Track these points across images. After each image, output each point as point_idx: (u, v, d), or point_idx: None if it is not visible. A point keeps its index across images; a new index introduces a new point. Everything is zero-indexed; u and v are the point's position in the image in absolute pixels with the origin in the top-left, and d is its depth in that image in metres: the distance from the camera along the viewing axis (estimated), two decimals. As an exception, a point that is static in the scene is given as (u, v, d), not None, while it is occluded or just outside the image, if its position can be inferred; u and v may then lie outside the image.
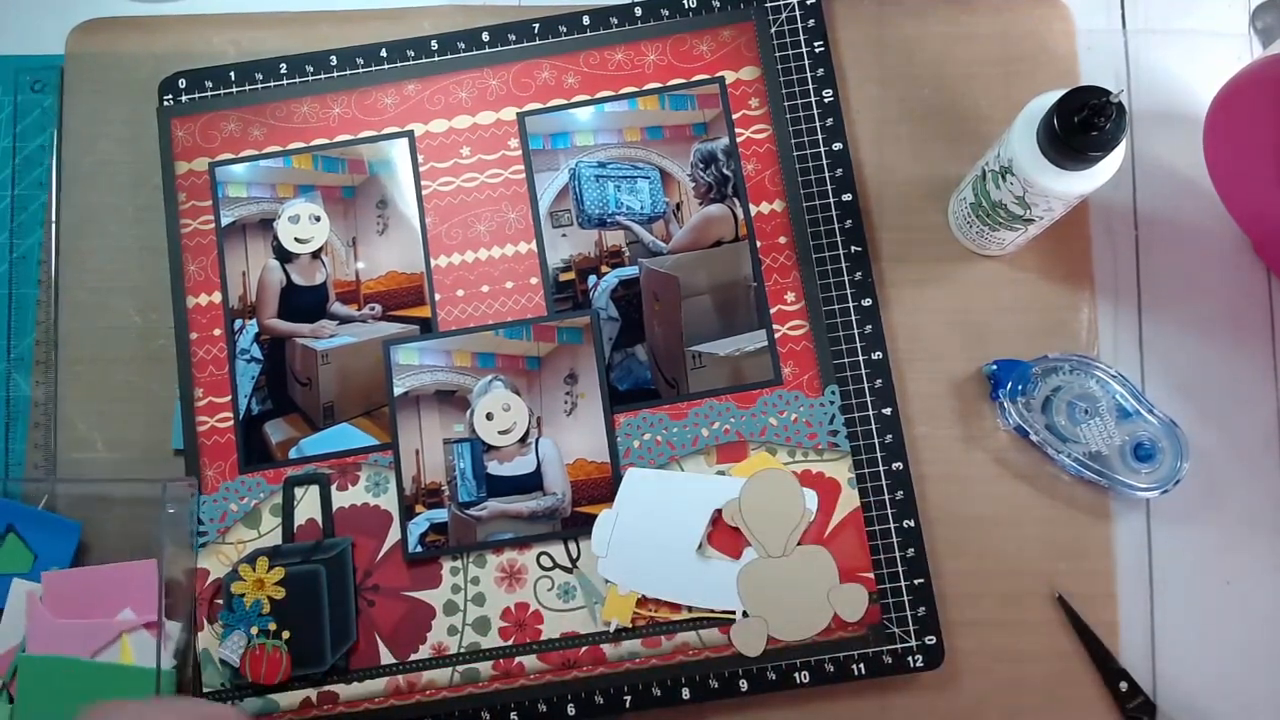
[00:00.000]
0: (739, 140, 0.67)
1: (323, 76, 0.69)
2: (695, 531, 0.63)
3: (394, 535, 0.64)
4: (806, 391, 0.65)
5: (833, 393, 0.65)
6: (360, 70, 0.69)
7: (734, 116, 0.68)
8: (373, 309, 0.67)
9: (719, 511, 0.63)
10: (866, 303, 0.66)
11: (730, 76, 0.68)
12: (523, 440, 0.64)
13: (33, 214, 0.69)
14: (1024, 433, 0.64)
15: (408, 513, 0.64)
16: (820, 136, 0.68)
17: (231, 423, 0.65)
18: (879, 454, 0.64)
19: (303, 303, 0.67)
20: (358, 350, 0.66)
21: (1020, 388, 0.64)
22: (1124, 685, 0.62)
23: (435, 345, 0.66)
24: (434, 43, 0.69)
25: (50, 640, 0.61)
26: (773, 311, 0.66)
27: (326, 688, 0.62)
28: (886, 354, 0.65)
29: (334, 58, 0.69)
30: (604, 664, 0.62)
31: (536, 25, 0.69)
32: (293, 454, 0.65)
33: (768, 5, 0.69)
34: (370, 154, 0.68)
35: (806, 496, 0.63)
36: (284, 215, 0.68)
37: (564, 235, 0.67)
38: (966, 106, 0.69)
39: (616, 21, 0.69)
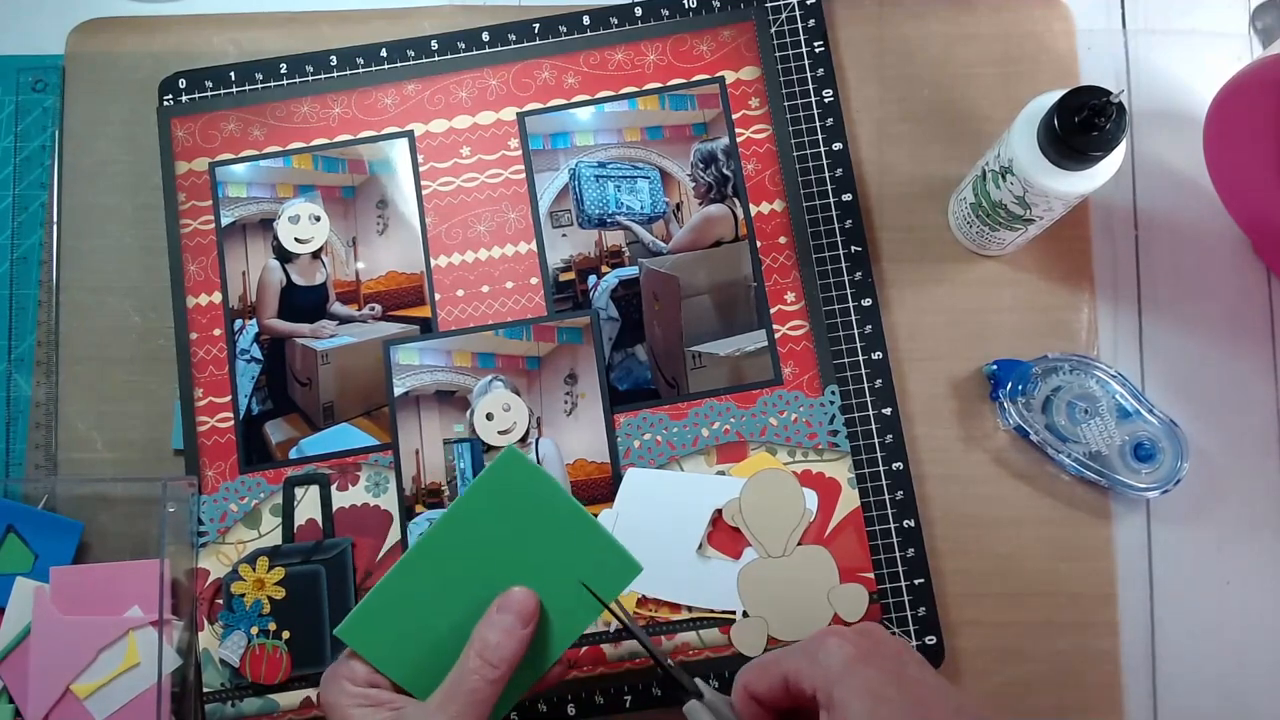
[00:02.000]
0: (739, 140, 0.67)
1: (323, 76, 0.69)
2: (695, 531, 0.63)
3: (394, 535, 0.64)
4: (806, 391, 0.65)
5: (833, 393, 0.65)
6: (360, 70, 0.69)
7: (734, 116, 0.68)
8: (373, 309, 0.67)
9: (719, 511, 0.63)
10: (866, 303, 0.66)
11: (730, 76, 0.68)
12: (523, 440, 0.64)
13: (33, 214, 0.69)
14: (1024, 433, 0.64)
15: (408, 513, 0.64)
16: (820, 136, 0.68)
17: (231, 423, 0.65)
18: (879, 454, 0.64)
19: (303, 303, 0.67)
20: (358, 350, 0.66)
21: (1020, 388, 0.64)
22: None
23: (435, 345, 0.66)
24: (434, 43, 0.69)
25: (55, 635, 0.61)
26: (773, 311, 0.66)
27: (326, 688, 0.62)
28: (886, 354, 0.65)
29: (334, 58, 0.69)
30: (604, 664, 0.62)
31: (536, 25, 0.69)
32: (293, 454, 0.65)
33: (768, 5, 0.69)
34: (370, 154, 0.68)
35: (807, 496, 0.63)
36: (284, 215, 0.68)
37: (564, 235, 0.67)
38: (966, 106, 0.69)
39: (616, 21, 0.69)
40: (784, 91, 0.68)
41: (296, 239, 0.67)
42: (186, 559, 0.64)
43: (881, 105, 0.69)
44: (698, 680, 0.50)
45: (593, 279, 0.66)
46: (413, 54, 0.69)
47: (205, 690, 0.62)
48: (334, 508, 0.64)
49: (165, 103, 0.69)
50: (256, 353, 0.66)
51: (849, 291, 0.66)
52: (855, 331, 0.65)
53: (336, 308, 0.67)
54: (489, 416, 0.64)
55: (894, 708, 0.43)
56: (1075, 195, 0.57)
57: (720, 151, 0.67)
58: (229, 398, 0.66)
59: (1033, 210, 0.59)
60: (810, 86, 0.68)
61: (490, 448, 0.64)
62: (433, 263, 0.67)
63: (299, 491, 0.65)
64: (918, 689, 0.44)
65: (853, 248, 0.66)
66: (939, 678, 0.46)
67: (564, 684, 0.62)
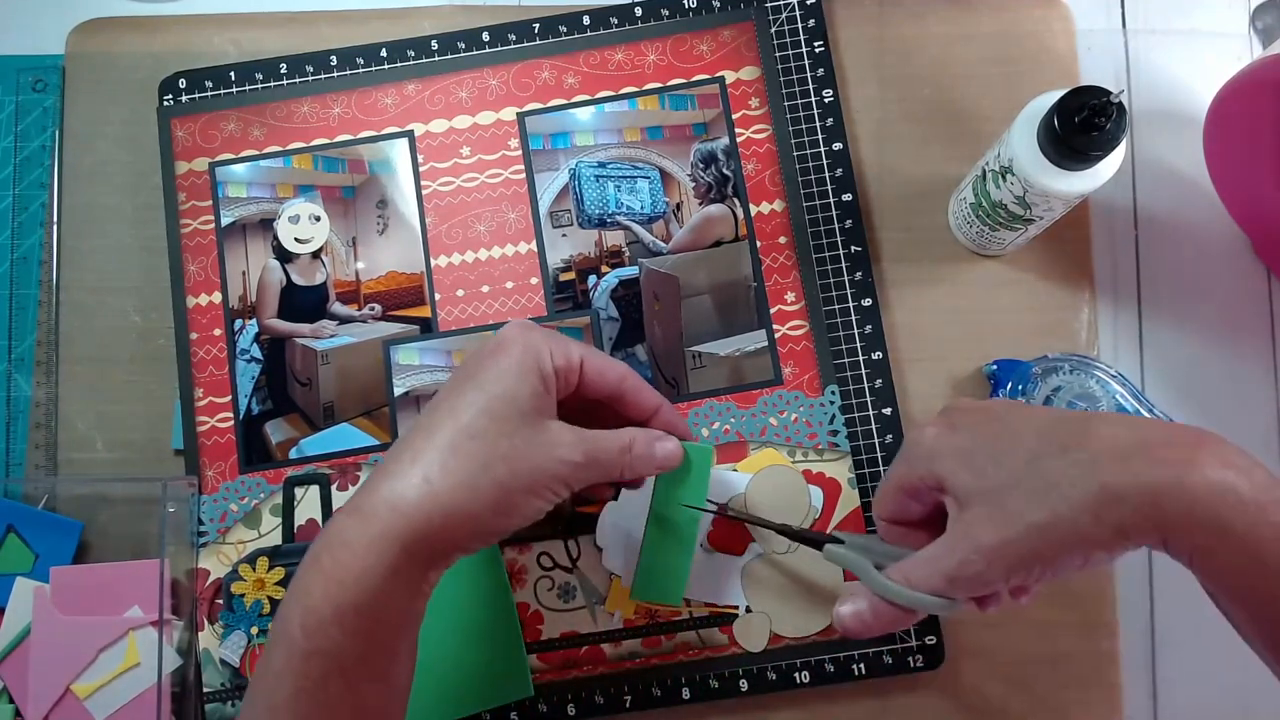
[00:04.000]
0: (739, 140, 0.67)
1: (323, 76, 0.69)
2: (700, 526, 0.62)
3: (394, 535, 0.64)
4: (806, 391, 0.65)
5: (833, 393, 0.65)
6: (360, 70, 0.69)
7: (734, 116, 0.68)
8: (373, 309, 0.67)
9: (724, 506, 0.63)
10: (866, 303, 0.66)
11: (730, 76, 0.68)
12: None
13: (33, 214, 0.69)
14: (1024, 432, 0.64)
15: (408, 513, 0.64)
16: (820, 136, 0.68)
17: (231, 423, 0.65)
18: (879, 454, 0.64)
19: (303, 303, 0.67)
20: (358, 350, 0.66)
21: (1020, 388, 0.64)
22: None
23: (435, 345, 0.66)
24: (434, 43, 0.69)
25: (55, 635, 0.61)
26: (773, 311, 0.66)
27: (327, 688, 0.62)
28: (886, 354, 0.65)
29: (334, 58, 0.69)
30: (604, 664, 0.62)
31: (536, 25, 0.69)
32: (293, 454, 0.65)
33: (768, 5, 0.69)
34: (370, 154, 0.68)
35: (812, 494, 0.63)
36: (284, 215, 0.68)
37: (564, 235, 0.67)
38: (966, 106, 0.69)
39: (616, 21, 0.69)
40: (784, 91, 0.68)
41: (296, 239, 0.67)
42: (186, 559, 0.64)
43: (881, 105, 0.69)
44: (836, 533, 0.56)
45: (593, 279, 0.66)
46: (413, 54, 0.69)
47: (205, 690, 0.62)
48: (334, 508, 0.64)
49: (165, 103, 0.69)
50: (256, 353, 0.66)
51: (849, 291, 0.66)
52: (855, 331, 0.65)
53: (336, 308, 0.67)
54: (489, 416, 0.64)
55: (984, 456, 0.47)
56: (1075, 195, 0.57)
57: (720, 151, 0.67)
58: (229, 398, 0.66)
59: (1033, 210, 0.59)
60: (810, 86, 0.68)
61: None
62: (433, 263, 0.67)
63: (299, 491, 0.65)
64: (1000, 428, 0.48)
65: (853, 248, 0.66)
66: (1027, 409, 0.49)
67: (564, 684, 0.62)
